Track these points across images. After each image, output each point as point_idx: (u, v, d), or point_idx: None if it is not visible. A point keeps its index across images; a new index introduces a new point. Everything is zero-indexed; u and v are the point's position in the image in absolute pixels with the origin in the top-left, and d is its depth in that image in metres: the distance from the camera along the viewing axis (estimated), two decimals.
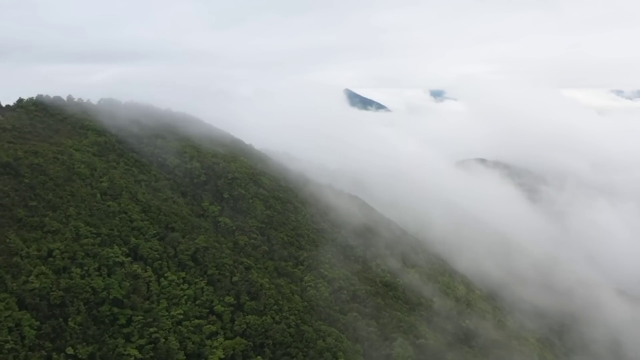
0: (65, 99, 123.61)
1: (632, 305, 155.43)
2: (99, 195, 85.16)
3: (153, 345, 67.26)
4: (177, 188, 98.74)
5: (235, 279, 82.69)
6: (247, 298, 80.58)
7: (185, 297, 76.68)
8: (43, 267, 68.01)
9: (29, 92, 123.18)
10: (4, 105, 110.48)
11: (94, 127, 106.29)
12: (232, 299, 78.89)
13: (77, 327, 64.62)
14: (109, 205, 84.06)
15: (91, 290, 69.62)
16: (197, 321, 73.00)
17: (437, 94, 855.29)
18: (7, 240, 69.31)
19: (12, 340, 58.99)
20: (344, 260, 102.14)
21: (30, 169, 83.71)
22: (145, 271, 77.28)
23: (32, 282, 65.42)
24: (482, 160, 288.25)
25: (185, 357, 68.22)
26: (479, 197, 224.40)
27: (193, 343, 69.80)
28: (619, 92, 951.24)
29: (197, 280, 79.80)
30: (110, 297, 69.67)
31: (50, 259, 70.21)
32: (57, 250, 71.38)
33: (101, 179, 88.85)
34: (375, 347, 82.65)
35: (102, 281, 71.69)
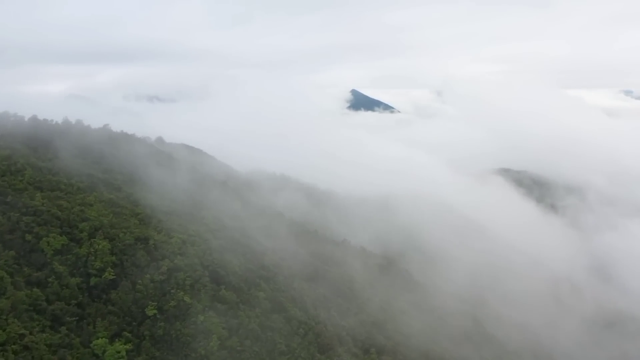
0: None
1: None
2: None
3: None
4: (43, 306, 46.65)
5: None
6: None
7: None
8: None
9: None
10: None
11: None
12: None
13: None
14: None
15: None
16: None
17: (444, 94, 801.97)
18: None
19: None
20: None
21: None
22: None
23: None
24: (505, 171, 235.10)
25: None
26: (504, 218, 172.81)
27: None
28: (628, 92, 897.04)
29: None
30: None
31: None
32: None
33: None
34: None
35: None
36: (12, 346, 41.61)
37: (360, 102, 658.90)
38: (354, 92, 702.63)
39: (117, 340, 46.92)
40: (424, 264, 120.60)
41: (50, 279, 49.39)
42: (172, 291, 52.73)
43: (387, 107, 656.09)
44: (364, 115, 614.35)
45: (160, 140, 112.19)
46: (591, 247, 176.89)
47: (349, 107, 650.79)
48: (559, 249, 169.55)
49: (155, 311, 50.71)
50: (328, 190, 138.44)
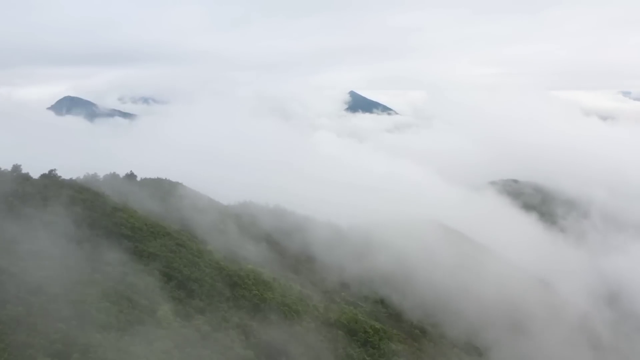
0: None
1: None
2: None
3: None
4: None
5: None
6: None
7: None
8: None
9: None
10: None
11: None
12: None
13: None
14: None
15: None
16: None
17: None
18: None
19: None
20: None
21: None
22: None
23: None
24: (503, 183, 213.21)
25: None
26: (510, 239, 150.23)
27: None
28: (627, 93, 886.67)
29: None
30: None
31: None
32: None
33: None
34: None
35: None
36: None
37: (358, 104, 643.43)
38: (352, 94, 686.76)
39: None
40: (428, 309, 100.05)
41: None
42: None
43: (385, 109, 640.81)
44: (361, 117, 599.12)
45: (130, 178, 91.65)
46: (605, 274, 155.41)
47: (347, 109, 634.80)
48: (573, 276, 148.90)
49: None
50: (327, 222, 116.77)
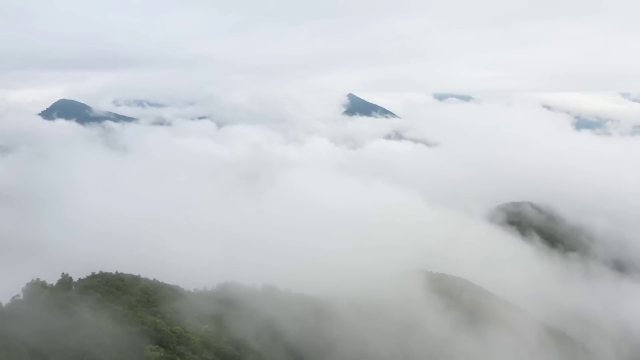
0: None
1: None
2: None
3: None
4: None
5: None
6: None
7: None
8: None
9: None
10: None
11: None
12: None
13: None
14: None
15: None
16: None
17: (440, 97, 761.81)
18: None
19: None
20: None
21: None
22: None
23: None
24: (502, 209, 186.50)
25: None
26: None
27: None
28: (625, 95, 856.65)
29: None
30: None
31: None
32: None
33: None
34: None
35: None
36: None
37: (357, 107, 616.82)
38: (351, 96, 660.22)
39: None
40: None
41: None
42: None
43: (384, 112, 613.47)
44: (358, 120, 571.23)
45: (63, 285, 61.92)
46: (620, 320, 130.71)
47: (344, 112, 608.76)
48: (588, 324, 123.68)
49: None
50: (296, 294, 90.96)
